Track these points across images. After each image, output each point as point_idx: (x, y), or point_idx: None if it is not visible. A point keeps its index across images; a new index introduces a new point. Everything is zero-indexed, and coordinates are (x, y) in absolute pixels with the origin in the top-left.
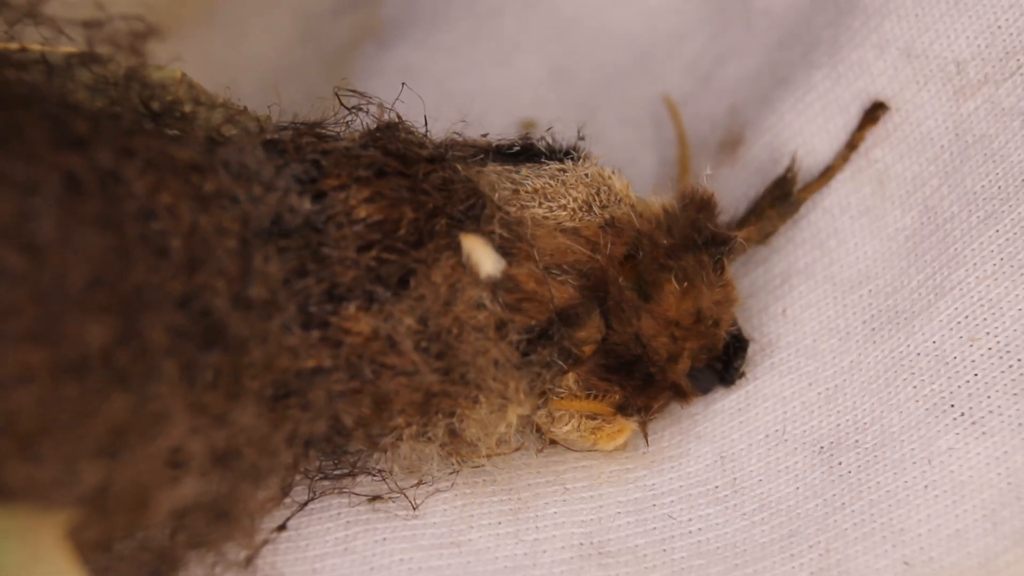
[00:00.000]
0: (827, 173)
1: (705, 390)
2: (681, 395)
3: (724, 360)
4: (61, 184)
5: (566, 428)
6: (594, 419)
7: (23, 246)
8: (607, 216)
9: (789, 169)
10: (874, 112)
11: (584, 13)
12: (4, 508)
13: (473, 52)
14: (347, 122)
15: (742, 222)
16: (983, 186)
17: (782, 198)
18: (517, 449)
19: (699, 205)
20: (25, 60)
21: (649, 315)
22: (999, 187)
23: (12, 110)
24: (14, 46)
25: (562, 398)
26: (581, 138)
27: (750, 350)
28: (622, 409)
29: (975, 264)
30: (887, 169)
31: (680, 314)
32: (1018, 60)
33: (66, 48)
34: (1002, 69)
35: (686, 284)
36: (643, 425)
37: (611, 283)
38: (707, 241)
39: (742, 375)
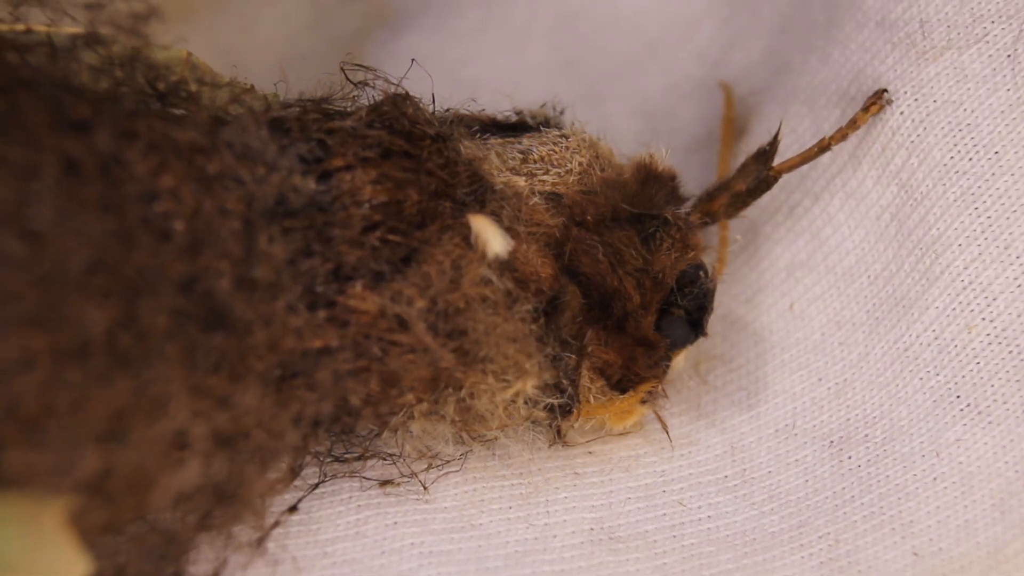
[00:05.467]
0: (803, 154)
1: (677, 340)
2: (651, 348)
3: (690, 307)
4: (60, 168)
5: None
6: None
7: (23, 231)
8: (603, 179)
9: (770, 144)
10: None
11: (593, 1)
12: (5, 495)
13: (483, 40)
14: (353, 97)
15: (711, 195)
16: (952, 157)
17: (755, 173)
18: (528, 418)
19: (644, 178)
20: (28, 42)
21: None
22: (970, 160)
23: (12, 94)
24: (20, 27)
25: (587, 404)
26: (561, 112)
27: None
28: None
29: (960, 246)
30: (855, 141)
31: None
32: (984, 27)
33: (71, 28)
34: (967, 35)
35: (614, 260)
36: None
37: (571, 227)
38: (632, 217)
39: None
